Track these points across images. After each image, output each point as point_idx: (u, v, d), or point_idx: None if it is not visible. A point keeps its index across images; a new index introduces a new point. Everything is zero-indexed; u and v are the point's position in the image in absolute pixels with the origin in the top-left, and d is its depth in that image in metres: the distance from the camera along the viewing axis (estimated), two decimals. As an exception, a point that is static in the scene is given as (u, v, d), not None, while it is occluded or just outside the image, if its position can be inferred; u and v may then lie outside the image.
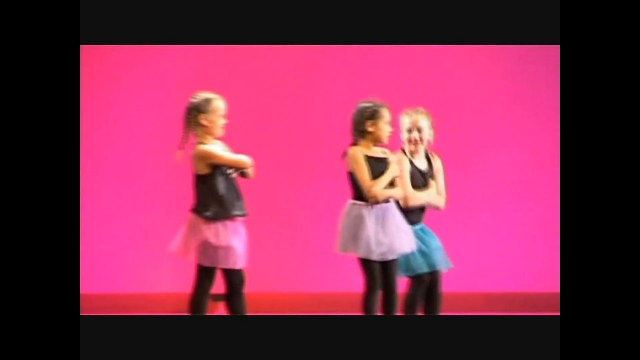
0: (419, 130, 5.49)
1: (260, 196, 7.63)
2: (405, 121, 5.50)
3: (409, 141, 5.48)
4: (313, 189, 7.76)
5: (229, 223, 5.12)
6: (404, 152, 5.50)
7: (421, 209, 5.49)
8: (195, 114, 5.27)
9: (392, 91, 8.02)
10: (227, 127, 5.32)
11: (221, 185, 5.14)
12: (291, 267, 7.56)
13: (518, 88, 8.03)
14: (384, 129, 5.28)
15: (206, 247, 5.07)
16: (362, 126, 5.28)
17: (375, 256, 5.17)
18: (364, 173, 5.20)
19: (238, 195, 5.19)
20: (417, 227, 5.45)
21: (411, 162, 5.47)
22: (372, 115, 5.29)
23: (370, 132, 5.28)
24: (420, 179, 5.48)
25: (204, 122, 5.24)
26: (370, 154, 5.27)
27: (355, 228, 5.21)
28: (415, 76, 8.01)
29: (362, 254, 5.18)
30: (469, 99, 7.94)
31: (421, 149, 5.53)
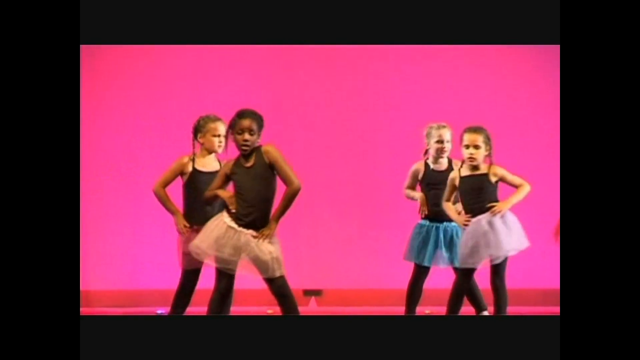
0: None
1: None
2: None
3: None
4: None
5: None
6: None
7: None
8: (194, 132, 5.76)
9: (391, 91, 8.06)
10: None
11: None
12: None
13: (518, 88, 8.04)
14: None
15: None
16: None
17: None
18: None
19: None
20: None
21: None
22: None
23: None
24: None
25: (200, 140, 5.73)
26: None
27: None
28: (415, 76, 8.02)
29: None
30: (469, 98, 7.94)
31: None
